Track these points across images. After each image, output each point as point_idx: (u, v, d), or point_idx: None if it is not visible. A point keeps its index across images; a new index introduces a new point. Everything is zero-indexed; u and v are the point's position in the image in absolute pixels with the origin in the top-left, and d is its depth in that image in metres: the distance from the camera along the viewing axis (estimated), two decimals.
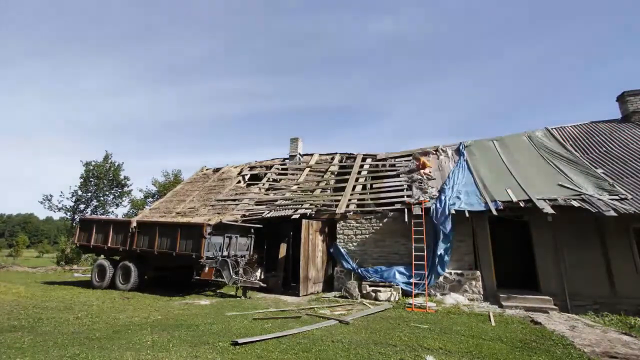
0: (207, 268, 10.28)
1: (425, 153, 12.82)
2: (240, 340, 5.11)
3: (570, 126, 13.97)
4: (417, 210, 10.35)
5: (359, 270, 10.65)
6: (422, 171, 12.36)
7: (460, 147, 13.89)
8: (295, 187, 14.85)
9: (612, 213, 7.95)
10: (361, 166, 14.88)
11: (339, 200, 12.37)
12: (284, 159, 18.28)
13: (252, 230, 11.69)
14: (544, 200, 9.11)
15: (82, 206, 27.77)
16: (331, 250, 11.51)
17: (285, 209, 12.73)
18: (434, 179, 12.09)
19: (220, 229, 10.36)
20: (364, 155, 15.90)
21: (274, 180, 16.47)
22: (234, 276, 9.99)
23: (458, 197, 10.26)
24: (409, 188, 11.85)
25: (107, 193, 28.45)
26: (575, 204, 8.60)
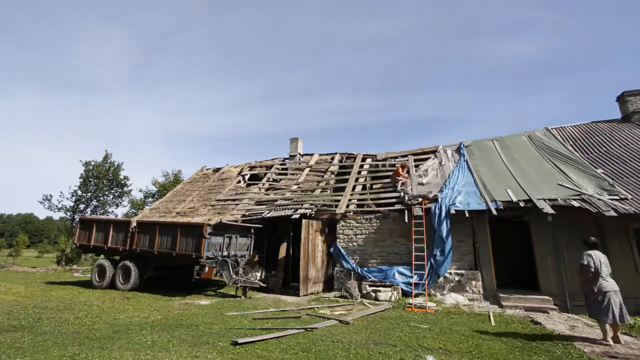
0: (207, 268, 10.28)
1: (404, 166, 12.51)
2: (240, 340, 5.10)
3: (570, 126, 13.98)
4: (417, 211, 10.36)
5: (359, 270, 10.65)
6: (397, 178, 12.20)
7: (460, 147, 13.90)
8: (295, 187, 14.85)
9: (612, 213, 7.95)
10: (361, 166, 14.89)
11: (339, 200, 12.37)
12: (284, 159, 18.27)
13: (252, 230, 11.69)
14: (544, 200, 9.11)
15: (82, 206, 27.76)
16: (331, 250, 11.51)
17: (285, 209, 12.73)
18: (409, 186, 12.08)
19: (220, 229, 10.36)
20: (364, 155, 15.91)
21: (274, 180, 16.47)
22: (234, 276, 9.99)
23: (458, 197, 10.26)
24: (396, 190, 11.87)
25: (106, 193, 28.44)
26: (575, 204, 8.60)
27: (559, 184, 9.84)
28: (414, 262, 9.85)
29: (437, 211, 9.93)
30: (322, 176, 15.37)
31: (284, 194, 14.34)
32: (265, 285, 10.88)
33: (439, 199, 10.33)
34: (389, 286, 9.97)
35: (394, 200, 11.56)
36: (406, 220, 10.33)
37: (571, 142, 12.61)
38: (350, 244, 11.31)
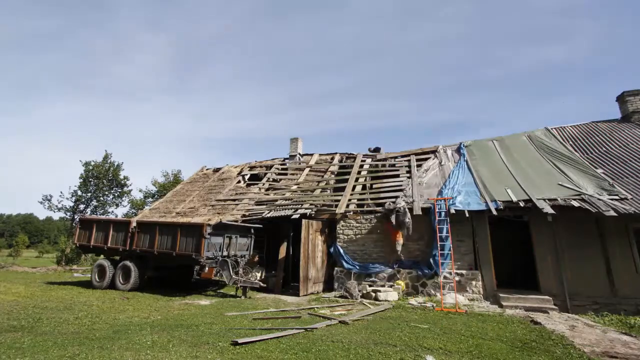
0: (207, 268, 10.28)
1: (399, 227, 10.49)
2: (240, 340, 5.10)
3: (570, 126, 13.98)
4: (417, 211, 10.36)
5: (359, 270, 10.66)
6: (396, 241, 10.55)
7: (460, 147, 13.90)
8: (295, 187, 14.84)
9: (612, 213, 7.95)
10: (361, 166, 14.89)
11: (339, 200, 12.37)
12: (284, 159, 18.27)
13: (252, 230, 11.69)
14: (544, 200, 9.11)
15: (81, 206, 27.74)
16: (331, 250, 11.51)
17: (285, 209, 12.73)
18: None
19: (220, 229, 10.35)
20: (363, 155, 15.91)
21: (274, 180, 16.47)
22: (234, 276, 9.99)
23: (458, 197, 10.26)
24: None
25: (106, 193, 28.42)
26: (575, 204, 8.61)
27: (559, 184, 9.84)
28: (414, 262, 9.84)
29: (436, 211, 9.93)
30: (322, 176, 15.37)
31: (284, 194, 14.34)
32: (265, 285, 10.88)
33: (439, 199, 10.33)
34: (389, 286, 9.98)
35: (394, 200, 11.56)
36: (406, 220, 10.32)
37: (571, 142, 12.61)
38: (350, 244, 11.31)
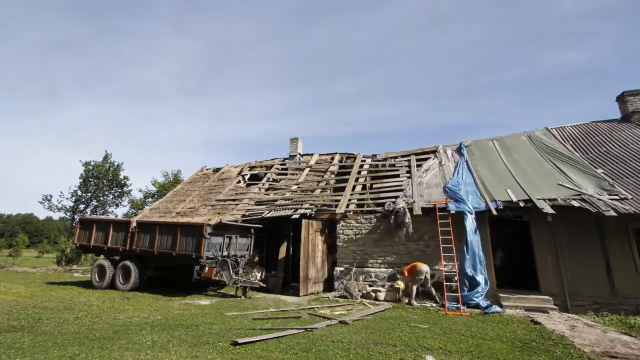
0: (207, 268, 10.28)
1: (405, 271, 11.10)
2: (240, 340, 5.10)
3: (570, 126, 13.98)
4: (417, 211, 10.35)
5: (359, 270, 10.65)
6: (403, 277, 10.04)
7: (461, 147, 13.90)
8: (295, 187, 14.84)
9: (612, 213, 7.95)
10: (361, 166, 14.89)
11: (339, 200, 12.37)
12: (284, 159, 18.27)
13: (252, 230, 11.69)
14: (544, 200, 9.11)
15: (81, 206, 27.75)
16: (331, 250, 11.51)
17: (285, 209, 12.73)
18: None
19: (220, 229, 10.35)
20: (363, 155, 15.92)
21: (274, 180, 16.47)
22: (234, 276, 9.99)
23: (457, 197, 10.26)
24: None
25: (106, 193, 28.42)
26: (575, 204, 8.60)
27: (559, 184, 9.84)
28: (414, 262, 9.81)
29: (436, 211, 9.92)
30: (322, 176, 15.37)
31: (284, 194, 14.34)
32: (265, 285, 10.88)
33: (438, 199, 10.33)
34: (389, 286, 9.97)
35: (394, 200, 11.57)
36: (406, 220, 10.31)
37: (571, 142, 12.61)
38: (350, 244, 11.31)
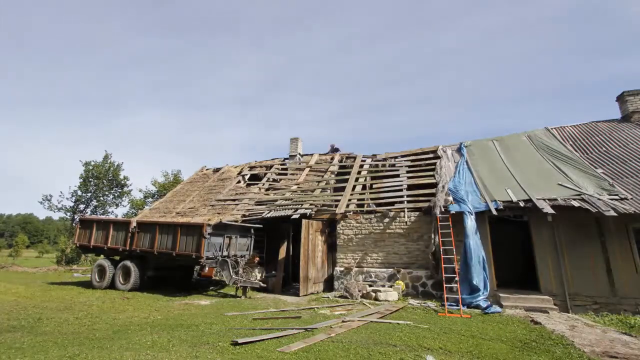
0: (207, 268, 10.28)
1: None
2: (240, 340, 5.10)
3: (570, 126, 13.98)
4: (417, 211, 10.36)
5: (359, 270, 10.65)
6: None
7: (461, 147, 13.90)
8: (295, 187, 14.84)
9: (612, 213, 7.95)
10: (361, 166, 14.89)
11: (339, 200, 12.37)
12: (284, 159, 18.27)
13: (252, 230, 11.69)
14: (544, 200, 9.11)
15: (81, 206, 27.77)
16: (331, 250, 11.51)
17: (285, 209, 12.73)
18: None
19: (220, 229, 10.35)
20: (363, 155, 15.92)
21: (274, 180, 16.47)
22: (234, 276, 9.99)
23: (458, 197, 10.25)
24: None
25: (106, 193, 28.44)
26: (575, 203, 8.60)
27: (559, 184, 9.84)
28: (414, 262, 9.80)
29: (436, 211, 9.92)
30: (322, 176, 15.37)
31: (284, 194, 14.34)
32: (265, 285, 10.88)
33: (438, 199, 10.32)
34: (389, 286, 9.97)
35: (394, 200, 11.58)
36: (406, 220, 10.33)
37: (571, 142, 12.61)
38: (350, 244, 11.32)
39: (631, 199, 8.59)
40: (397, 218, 10.84)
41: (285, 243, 12.67)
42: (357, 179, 13.88)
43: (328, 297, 10.10)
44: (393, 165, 14.11)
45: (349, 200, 12.34)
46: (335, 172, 15.41)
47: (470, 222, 9.36)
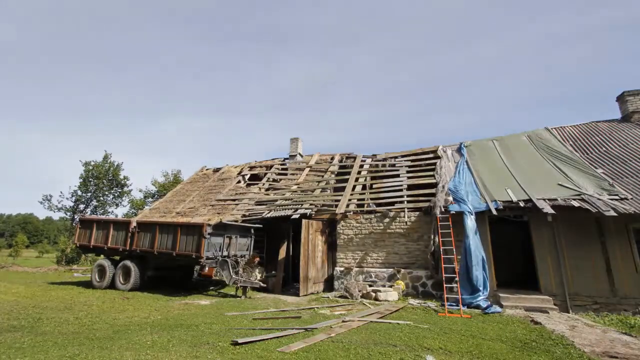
0: (207, 268, 10.28)
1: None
2: (240, 340, 5.10)
3: (570, 126, 13.98)
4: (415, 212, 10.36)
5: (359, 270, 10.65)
6: None
7: (461, 147, 13.90)
8: (295, 187, 14.84)
9: (612, 213, 7.95)
10: (361, 166, 14.89)
11: (339, 200, 12.37)
12: (284, 159, 18.28)
13: (252, 230, 11.69)
14: (544, 200, 9.11)
15: (81, 206, 27.76)
16: (331, 250, 11.50)
17: (285, 209, 12.73)
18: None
19: (220, 229, 10.35)
20: (363, 155, 15.92)
21: (274, 180, 16.47)
22: (234, 276, 9.99)
23: (458, 197, 10.25)
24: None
25: (106, 193, 28.43)
26: (575, 203, 8.60)
27: (559, 184, 9.84)
28: (414, 263, 9.80)
29: (436, 211, 9.92)
30: (322, 176, 15.37)
31: (283, 194, 14.34)
32: (265, 285, 10.88)
33: (438, 199, 10.32)
34: (389, 286, 9.97)
35: (394, 200, 11.58)
36: (406, 220, 10.32)
37: (571, 142, 12.61)
38: (351, 244, 11.32)
39: (631, 199, 8.59)
40: (397, 218, 10.84)
41: (285, 243, 12.67)
42: (357, 179, 13.88)
43: (328, 297, 10.10)
44: (393, 165, 14.11)
45: (349, 200, 12.34)
46: (335, 172, 15.41)
47: (470, 222, 9.36)
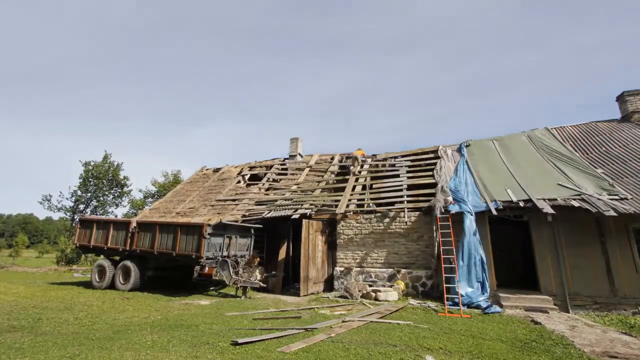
0: (207, 268, 10.28)
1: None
2: (240, 340, 5.10)
3: (570, 126, 13.98)
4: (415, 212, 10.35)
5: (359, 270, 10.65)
6: None
7: (461, 147, 13.90)
8: (295, 187, 14.84)
9: (612, 213, 7.95)
10: (361, 166, 14.88)
11: (339, 200, 12.37)
12: (284, 159, 18.28)
13: (252, 231, 11.69)
14: (544, 200, 9.11)
15: (81, 206, 27.77)
16: (331, 250, 11.50)
17: (285, 209, 12.73)
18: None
19: (220, 229, 10.35)
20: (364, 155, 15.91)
21: (274, 180, 16.47)
22: (234, 276, 9.99)
23: (458, 197, 10.25)
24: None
25: (106, 193, 28.44)
26: (575, 203, 8.60)
27: (559, 184, 9.84)
28: (414, 263, 9.79)
29: (436, 211, 9.92)
30: (322, 176, 15.37)
31: (283, 194, 14.34)
32: (265, 285, 10.87)
33: (438, 199, 10.31)
34: (389, 286, 9.97)
35: (394, 200, 11.58)
36: (406, 220, 10.32)
37: (571, 142, 12.61)
38: (351, 244, 11.32)
39: (631, 199, 8.60)
40: (397, 218, 10.84)
41: (285, 243, 12.67)
42: (357, 179, 13.88)
43: (328, 297, 10.10)
44: (393, 166, 14.11)
45: (349, 200, 12.34)
46: (335, 172, 15.41)
47: (470, 222, 9.36)
